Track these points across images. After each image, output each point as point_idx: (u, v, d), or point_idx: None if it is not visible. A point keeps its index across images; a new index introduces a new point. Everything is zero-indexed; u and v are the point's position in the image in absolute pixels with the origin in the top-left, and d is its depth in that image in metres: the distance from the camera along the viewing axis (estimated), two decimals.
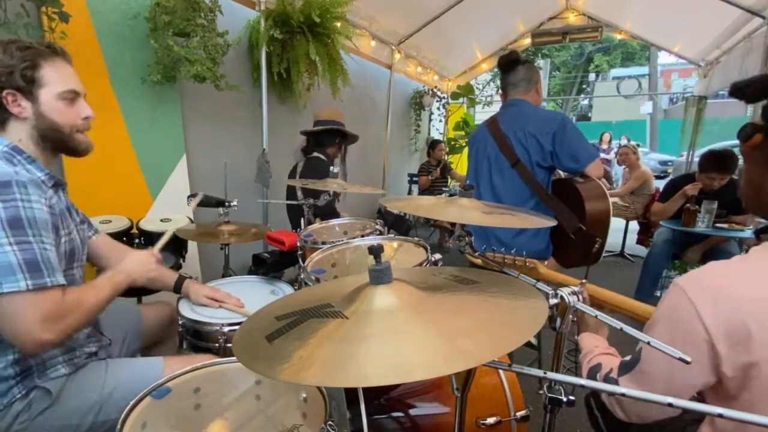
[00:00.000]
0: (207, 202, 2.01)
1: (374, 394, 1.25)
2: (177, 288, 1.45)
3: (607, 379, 0.88)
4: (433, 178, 5.42)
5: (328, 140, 2.76)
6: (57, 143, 1.12)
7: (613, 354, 0.98)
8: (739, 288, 0.71)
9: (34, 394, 1.05)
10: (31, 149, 1.09)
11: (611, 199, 1.81)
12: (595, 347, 1.01)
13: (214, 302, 1.44)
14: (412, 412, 1.28)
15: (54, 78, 1.07)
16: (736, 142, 0.83)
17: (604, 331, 1.08)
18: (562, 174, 1.99)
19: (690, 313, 0.73)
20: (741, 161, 1.01)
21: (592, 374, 0.93)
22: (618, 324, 0.71)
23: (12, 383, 1.03)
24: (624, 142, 9.06)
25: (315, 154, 2.76)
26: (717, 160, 2.93)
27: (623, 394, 0.51)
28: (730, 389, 0.74)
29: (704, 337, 0.71)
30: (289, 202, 2.76)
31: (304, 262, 1.62)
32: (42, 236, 0.98)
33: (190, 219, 2.28)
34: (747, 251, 0.79)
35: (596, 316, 0.75)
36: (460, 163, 6.68)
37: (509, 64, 1.98)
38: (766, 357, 0.68)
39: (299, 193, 2.65)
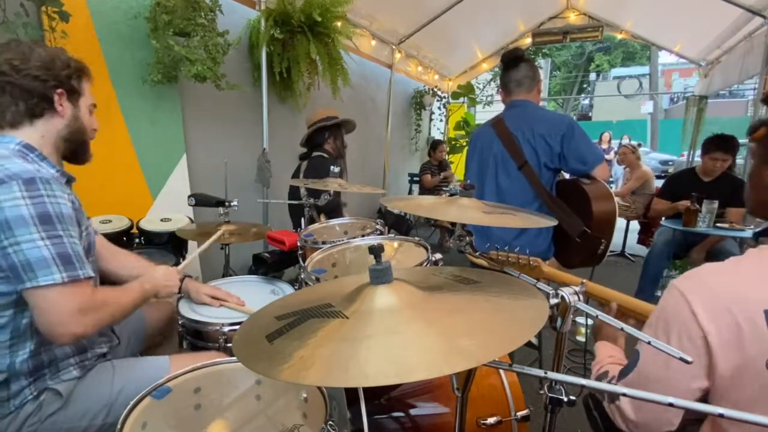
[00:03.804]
0: (207, 202, 2.01)
1: (375, 393, 1.26)
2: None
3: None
4: (441, 177, 5.44)
5: (320, 138, 2.78)
6: (76, 145, 1.17)
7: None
8: (732, 288, 0.72)
9: (45, 396, 1.05)
10: (46, 148, 1.10)
11: None
12: (608, 357, 0.99)
13: (215, 301, 1.44)
14: (412, 412, 1.28)
15: (87, 91, 1.18)
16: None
17: (621, 341, 1.06)
18: (566, 175, 1.99)
19: (685, 311, 0.74)
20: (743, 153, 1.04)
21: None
22: (618, 323, 0.71)
23: (24, 383, 1.04)
24: (625, 141, 9.05)
25: (316, 153, 2.77)
26: (720, 140, 3.09)
27: (624, 394, 0.52)
28: (719, 389, 0.74)
29: (699, 334, 0.72)
30: (289, 201, 2.76)
31: (304, 262, 1.62)
32: (70, 230, 1.01)
33: (190, 219, 2.28)
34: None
35: (597, 317, 0.75)
36: (459, 164, 6.68)
37: (513, 60, 1.96)
38: (756, 355, 0.69)
39: (302, 191, 2.66)
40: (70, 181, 1.15)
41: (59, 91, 1.08)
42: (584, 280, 0.90)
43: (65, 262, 0.96)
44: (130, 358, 1.29)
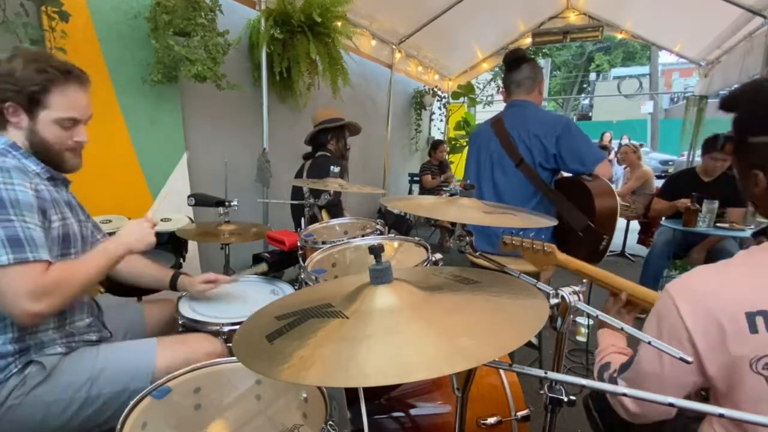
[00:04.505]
0: (207, 202, 2.01)
1: (375, 393, 1.26)
2: (173, 285, 1.48)
3: (611, 379, 0.91)
4: (442, 179, 5.45)
5: (323, 138, 2.80)
6: (44, 157, 1.16)
7: (627, 354, 0.99)
8: (717, 290, 0.74)
9: (29, 369, 1.08)
10: (28, 150, 1.14)
11: None
12: (611, 345, 1.02)
13: (210, 285, 1.48)
14: (412, 411, 1.28)
15: (58, 104, 1.12)
16: None
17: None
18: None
19: (673, 313, 0.76)
20: None
21: (600, 373, 0.96)
22: (618, 323, 0.71)
23: (10, 360, 1.07)
24: (625, 141, 9.04)
25: (320, 153, 2.78)
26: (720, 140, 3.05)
27: (624, 394, 0.52)
28: (719, 388, 0.76)
29: (685, 335, 0.74)
30: (289, 201, 2.77)
31: (304, 262, 1.62)
32: (24, 216, 1.02)
33: (190, 219, 2.28)
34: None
35: (597, 316, 0.75)
36: (460, 164, 6.68)
37: (515, 61, 1.97)
38: (740, 357, 0.70)
39: (305, 191, 2.66)
40: (54, 178, 1.18)
41: (7, 104, 1.09)
42: (585, 280, 0.90)
43: (14, 244, 0.98)
44: (118, 342, 1.31)
